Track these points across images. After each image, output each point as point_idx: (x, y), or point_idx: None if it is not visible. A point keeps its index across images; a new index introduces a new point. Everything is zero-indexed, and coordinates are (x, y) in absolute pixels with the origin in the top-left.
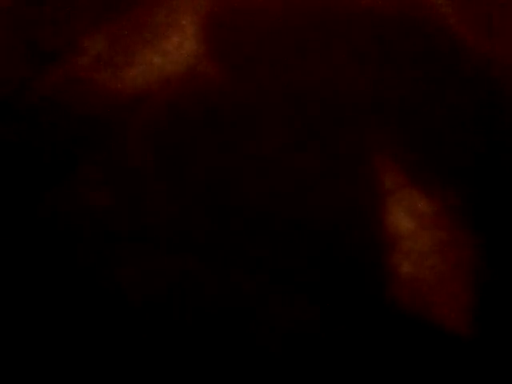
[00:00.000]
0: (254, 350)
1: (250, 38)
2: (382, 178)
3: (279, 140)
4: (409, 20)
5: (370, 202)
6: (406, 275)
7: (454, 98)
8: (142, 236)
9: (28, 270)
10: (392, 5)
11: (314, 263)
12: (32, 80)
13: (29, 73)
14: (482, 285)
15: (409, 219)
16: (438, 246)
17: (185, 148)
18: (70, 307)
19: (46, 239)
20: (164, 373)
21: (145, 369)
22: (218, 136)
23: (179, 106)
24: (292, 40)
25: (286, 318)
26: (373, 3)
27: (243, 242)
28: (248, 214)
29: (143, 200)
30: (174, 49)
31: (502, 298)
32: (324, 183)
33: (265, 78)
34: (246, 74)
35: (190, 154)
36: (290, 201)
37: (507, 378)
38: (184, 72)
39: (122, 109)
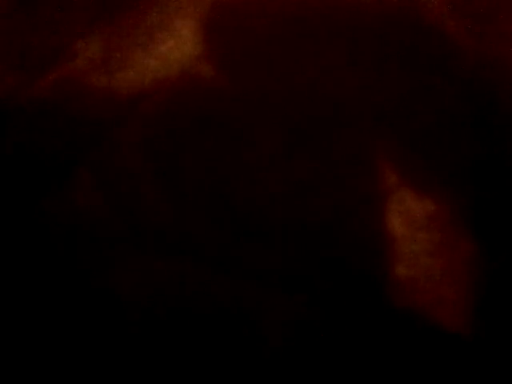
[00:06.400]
0: (251, 352)
1: (245, 41)
2: (377, 181)
3: (275, 143)
4: (405, 23)
5: (364, 204)
6: (401, 277)
7: (449, 101)
8: (138, 240)
9: (23, 273)
10: (389, 8)
11: (309, 265)
12: (26, 84)
13: (23, 77)
14: (478, 286)
15: (403, 221)
16: (433, 247)
17: (179, 151)
18: (65, 312)
19: (41, 244)
20: (160, 376)
21: (142, 372)
22: (213, 139)
23: (173, 109)
24: (288, 44)
25: (284, 319)
26: (370, 7)
27: (240, 245)
28: (245, 216)
29: (138, 204)
30: (168, 52)
31: (498, 299)
32: (319, 186)
33: (260, 82)
34: (241, 77)
35: (185, 157)
36: (285, 204)
37: (506, 378)
38: (178, 75)
39: (115, 112)
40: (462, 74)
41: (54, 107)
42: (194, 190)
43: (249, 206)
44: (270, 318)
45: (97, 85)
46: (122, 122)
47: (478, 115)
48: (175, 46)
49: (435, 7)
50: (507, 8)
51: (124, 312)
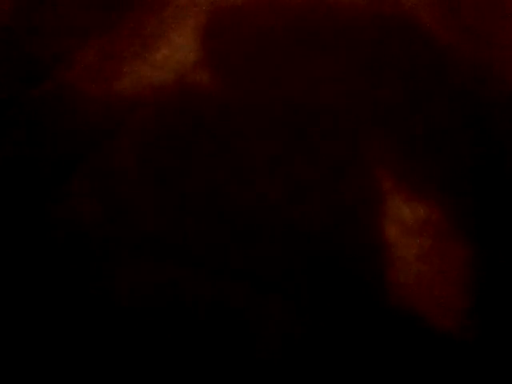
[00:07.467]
0: (250, 356)
1: (239, 49)
2: (370, 186)
3: (269, 149)
4: (400, 33)
5: (358, 209)
6: (393, 282)
7: (447, 105)
8: (136, 244)
9: (21, 278)
10: (384, 20)
11: (301, 271)
12: (24, 92)
13: (19, 86)
14: (472, 289)
15: (397, 226)
16: (427, 252)
17: (178, 156)
18: (63, 317)
19: (39, 249)
20: (158, 379)
21: (140, 374)
22: (207, 145)
23: (168, 116)
24: (285, 51)
25: (277, 324)
26: (366, 18)
27: (238, 248)
28: (239, 221)
29: (137, 208)
30: (162, 60)
31: (492, 301)
32: (313, 191)
33: (257, 87)
34: (238, 83)
35: (179, 163)
36: (279, 209)
37: (500, 379)
38: (172, 83)
39: (113, 119)
40: (458, 79)
41: (51, 114)
42: (193, 195)
43: (247, 209)
44: (269, 323)
45: (94, 92)
46: (119, 128)
47: (475, 119)
48: (171, 54)
49: (429, 20)
50: (493, 18)
51: (122, 316)
